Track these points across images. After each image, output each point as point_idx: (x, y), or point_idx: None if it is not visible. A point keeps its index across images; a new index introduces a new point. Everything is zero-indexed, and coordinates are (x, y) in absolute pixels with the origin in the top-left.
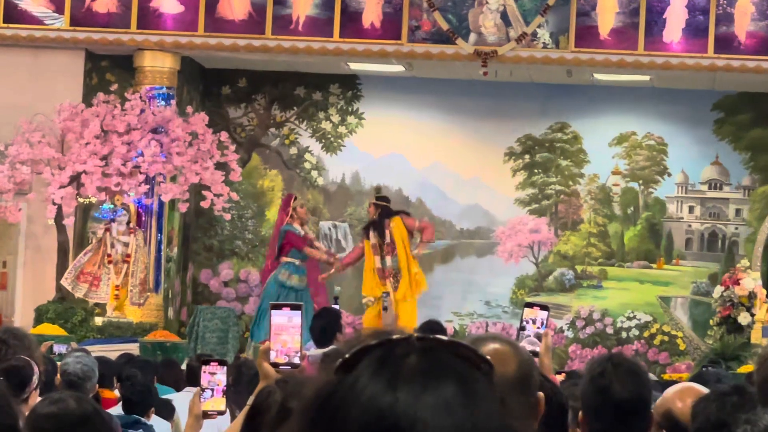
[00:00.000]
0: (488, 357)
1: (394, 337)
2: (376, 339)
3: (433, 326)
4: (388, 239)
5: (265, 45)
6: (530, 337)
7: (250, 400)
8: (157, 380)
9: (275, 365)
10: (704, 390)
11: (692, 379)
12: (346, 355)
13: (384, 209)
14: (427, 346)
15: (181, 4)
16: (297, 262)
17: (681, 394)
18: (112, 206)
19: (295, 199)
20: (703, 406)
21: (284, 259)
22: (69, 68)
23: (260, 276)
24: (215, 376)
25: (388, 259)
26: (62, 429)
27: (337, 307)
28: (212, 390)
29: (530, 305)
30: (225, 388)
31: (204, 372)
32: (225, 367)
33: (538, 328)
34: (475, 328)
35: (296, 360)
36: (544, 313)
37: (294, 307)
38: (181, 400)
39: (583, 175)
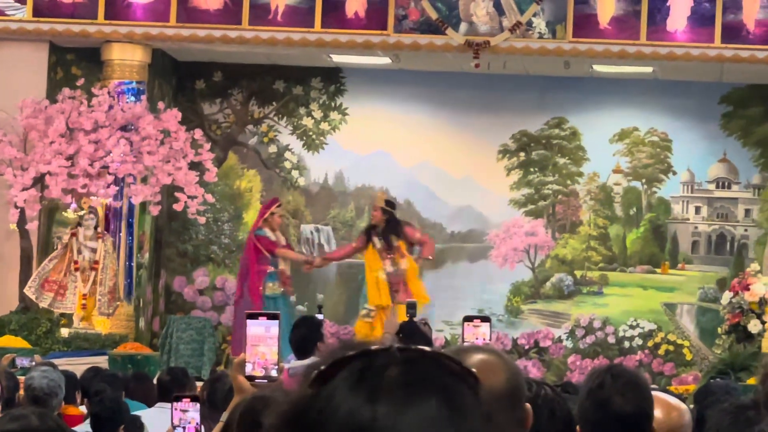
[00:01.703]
0: (475, 369)
1: (374, 347)
2: (355, 349)
3: (405, 329)
4: (395, 245)
5: (241, 36)
6: None
7: (224, 416)
8: (128, 395)
9: (251, 378)
10: (671, 399)
11: (700, 391)
12: (323, 367)
13: (391, 217)
14: (409, 357)
15: None
16: (270, 269)
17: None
18: (79, 209)
19: (279, 205)
20: (718, 417)
21: (263, 268)
22: (32, 62)
23: (237, 283)
24: (187, 414)
25: (401, 263)
26: None
27: (320, 316)
28: (184, 429)
29: (469, 318)
30: (198, 425)
31: (175, 409)
32: (198, 404)
33: (486, 343)
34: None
35: (274, 373)
36: (486, 326)
37: (271, 317)
38: (153, 416)
39: (582, 174)
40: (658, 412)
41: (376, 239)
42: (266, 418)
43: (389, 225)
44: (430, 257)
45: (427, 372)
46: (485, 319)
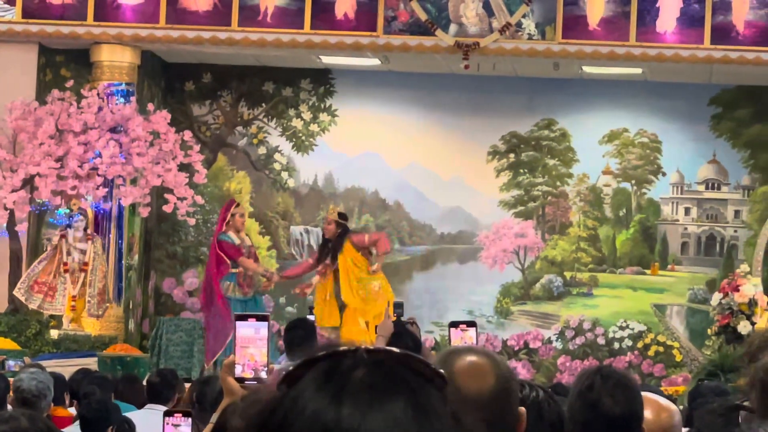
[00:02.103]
0: (463, 371)
1: (342, 348)
2: (324, 351)
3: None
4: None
5: (231, 38)
6: None
7: (214, 418)
8: (117, 397)
9: (241, 380)
10: (661, 400)
11: (691, 393)
12: (290, 368)
13: (344, 230)
14: (376, 359)
15: None
16: (236, 271)
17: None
18: (68, 211)
19: (237, 205)
20: (707, 417)
21: (221, 270)
22: (21, 63)
23: (202, 289)
24: (179, 429)
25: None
26: None
27: (312, 318)
28: None
29: (455, 324)
30: None
31: (167, 424)
32: (190, 419)
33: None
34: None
35: (263, 375)
36: (472, 330)
37: (260, 318)
38: (143, 418)
39: (571, 175)
40: (648, 413)
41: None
42: (234, 419)
43: (340, 238)
44: (388, 251)
45: (393, 373)
46: (471, 323)
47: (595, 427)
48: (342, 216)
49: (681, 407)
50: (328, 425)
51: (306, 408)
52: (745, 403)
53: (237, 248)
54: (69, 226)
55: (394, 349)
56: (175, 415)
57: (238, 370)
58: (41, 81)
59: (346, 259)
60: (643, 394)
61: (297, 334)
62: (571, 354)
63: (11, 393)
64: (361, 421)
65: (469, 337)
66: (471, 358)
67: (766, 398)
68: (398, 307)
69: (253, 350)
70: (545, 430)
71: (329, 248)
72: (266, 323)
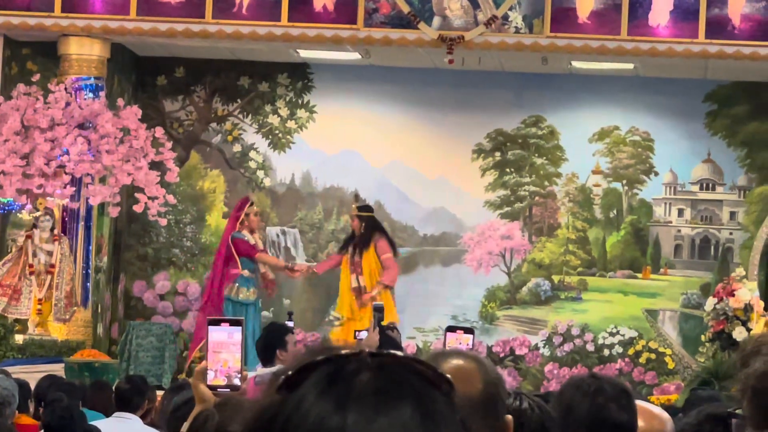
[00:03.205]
0: (450, 375)
1: (344, 352)
2: (324, 354)
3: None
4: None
5: (205, 30)
6: None
7: (185, 427)
8: (85, 404)
9: (213, 388)
10: (653, 408)
11: (686, 402)
12: (290, 372)
13: (369, 221)
14: (381, 362)
15: None
16: (246, 273)
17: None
18: (35, 211)
19: (251, 204)
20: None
21: (232, 271)
22: None
23: (205, 289)
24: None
25: (361, 280)
26: None
27: (291, 323)
28: None
29: (452, 329)
30: None
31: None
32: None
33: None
34: (440, 345)
35: (236, 381)
36: (468, 337)
37: (234, 323)
38: (111, 426)
39: (560, 175)
40: (640, 421)
41: (351, 250)
42: (233, 426)
43: (366, 232)
44: (390, 284)
45: (399, 378)
46: (469, 330)
47: (602, 430)
48: (363, 208)
49: (680, 415)
50: (333, 431)
51: (309, 414)
52: (737, 411)
53: (253, 246)
54: (35, 226)
55: (398, 352)
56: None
57: (210, 377)
58: (6, 75)
59: (371, 259)
60: (636, 402)
61: (266, 339)
62: (559, 361)
63: None
64: (367, 426)
65: (465, 341)
66: (458, 361)
67: (758, 406)
68: (377, 310)
69: (226, 355)
70: None
71: (353, 242)
72: (240, 328)
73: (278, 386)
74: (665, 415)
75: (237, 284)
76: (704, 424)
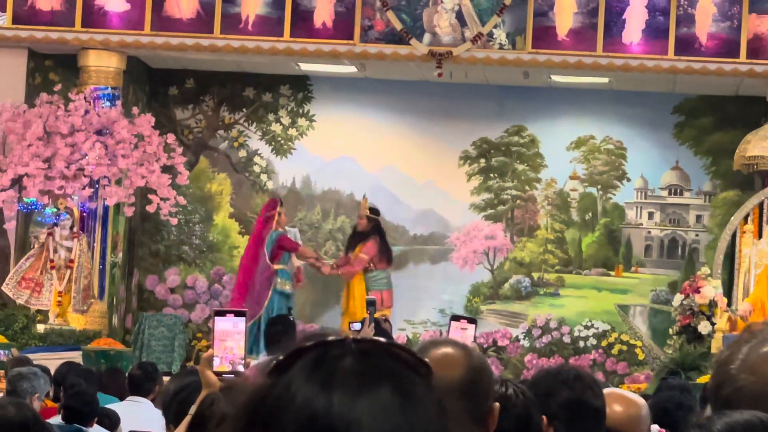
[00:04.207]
0: (436, 361)
1: (330, 338)
2: (312, 341)
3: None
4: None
5: (213, 44)
6: None
7: (192, 409)
8: (101, 389)
9: (218, 373)
10: (631, 395)
11: (657, 390)
12: (280, 357)
13: (375, 224)
14: (363, 348)
15: (127, 2)
16: (287, 267)
17: (606, 399)
18: (55, 210)
19: (281, 204)
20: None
21: (277, 266)
22: (11, 67)
23: (241, 283)
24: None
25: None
26: None
27: (291, 318)
28: None
29: (457, 318)
30: None
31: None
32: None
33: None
34: (428, 336)
35: (240, 368)
36: (471, 326)
37: (238, 313)
38: (125, 409)
39: (540, 180)
40: (618, 407)
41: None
42: (226, 407)
43: (368, 232)
44: (344, 277)
45: (380, 362)
46: (472, 320)
47: (583, 415)
48: (373, 211)
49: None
50: (318, 412)
51: (296, 395)
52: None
53: (295, 242)
54: (56, 224)
55: (381, 339)
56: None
57: (216, 363)
58: (30, 85)
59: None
60: (612, 389)
61: (277, 330)
62: (538, 352)
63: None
64: (350, 407)
65: (468, 334)
66: (446, 349)
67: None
68: (371, 304)
69: (230, 343)
70: (511, 422)
71: (356, 240)
72: (243, 318)
73: (269, 370)
74: (641, 400)
75: (282, 278)
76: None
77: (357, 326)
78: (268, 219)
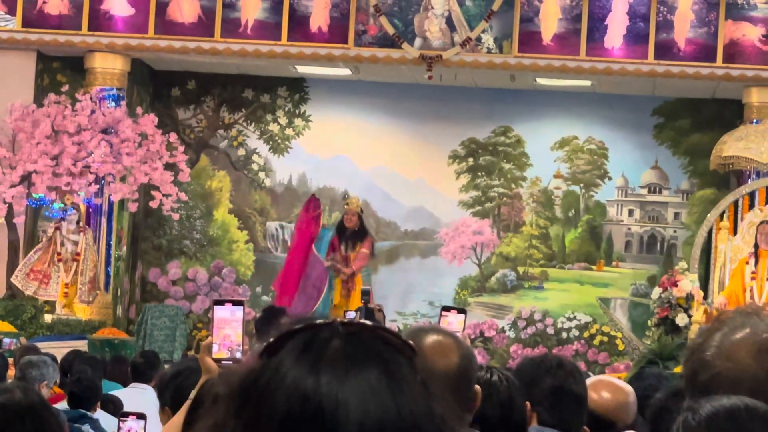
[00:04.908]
0: (430, 348)
1: (319, 322)
2: (302, 324)
3: (361, 314)
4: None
5: (214, 48)
6: None
7: (192, 394)
8: (106, 376)
9: (217, 360)
10: (619, 383)
11: (633, 378)
12: (271, 340)
13: (361, 220)
14: (351, 331)
15: (131, 6)
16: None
17: (595, 386)
18: (62, 205)
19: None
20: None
21: (327, 263)
22: (21, 69)
23: (291, 280)
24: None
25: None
26: (8, 419)
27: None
28: None
29: (447, 309)
30: None
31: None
32: (143, 421)
33: (456, 332)
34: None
35: (238, 355)
36: (461, 317)
37: (236, 303)
38: (128, 395)
39: (525, 179)
40: (606, 393)
41: (346, 243)
42: (218, 387)
43: (361, 230)
44: (356, 270)
45: (367, 344)
46: (461, 310)
47: (565, 401)
48: (360, 209)
49: None
50: (307, 392)
51: (287, 376)
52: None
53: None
54: (63, 219)
55: (368, 322)
56: (130, 416)
57: (215, 350)
58: (39, 86)
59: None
60: (601, 377)
61: (268, 320)
62: (523, 342)
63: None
64: (338, 388)
65: (458, 319)
66: (436, 337)
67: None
68: (365, 294)
69: (228, 331)
70: (495, 408)
71: (348, 237)
72: (241, 307)
73: (261, 353)
74: (629, 388)
75: (331, 273)
76: (671, 398)
77: (352, 314)
78: (317, 218)
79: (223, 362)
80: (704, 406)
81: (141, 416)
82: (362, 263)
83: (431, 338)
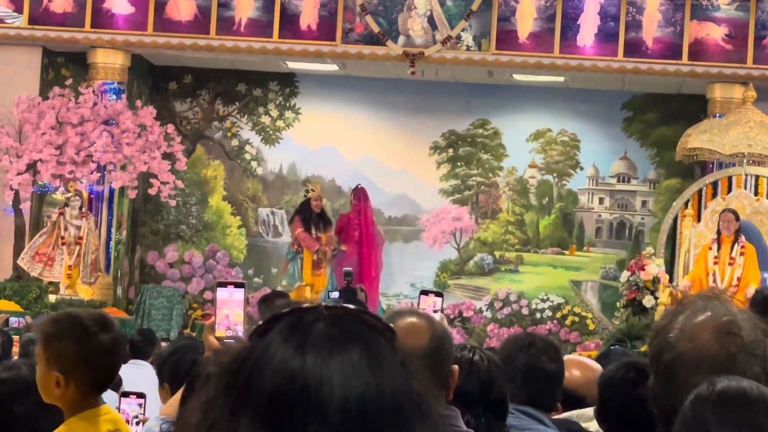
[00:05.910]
0: (402, 329)
1: (305, 306)
2: (289, 308)
3: (343, 294)
4: (327, 233)
5: (209, 44)
6: None
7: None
8: None
9: (219, 338)
10: (588, 361)
11: (600, 356)
12: (260, 322)
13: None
14: (334, 314)
15: (131, 5)
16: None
17: (566, 365)
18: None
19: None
20: (614, 373)
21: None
22: (27, 64)
23: (374, 261)
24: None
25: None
26: (15, 394)
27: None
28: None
29: (425, 292)
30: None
31: (126, 405)
32: (143, 399)
33: (434, 312)
34: (400, 307)
35: (240, 333)
36: (438, 299)
37: (237, 285)
38: (127, 371)
39: (502, 168)
40: (576, 371)
41: (315, 226)
42: (210, 367)
43: (323, 214)
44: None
45: (349, 326)
46: (438, 293)
47: (536, 378)
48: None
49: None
50: (293, 371)
51: (274, 356)
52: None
53: None
54: (66, 205)
55: (350, 305)
56: (131, 396)
57: (217, 329)
58: (44, 79)
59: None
60: (571, 356)
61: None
62: (499, 322)
63: (15, 348)
64: (322, 367)
65: (436, 302)
66: (411, 318)
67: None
68: (348, 275)
69: (227, 311)
70: (474, 385)
71: (314, 219)
72: (242, 289)
73: (250, 334)
74: (597, 365)
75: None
76: (621, 369)
77: (335, 295)
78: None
79: (225, 340)
80: (721, 381)
81: (141, 395)
82: (335, 244)
83: (405, 320)
